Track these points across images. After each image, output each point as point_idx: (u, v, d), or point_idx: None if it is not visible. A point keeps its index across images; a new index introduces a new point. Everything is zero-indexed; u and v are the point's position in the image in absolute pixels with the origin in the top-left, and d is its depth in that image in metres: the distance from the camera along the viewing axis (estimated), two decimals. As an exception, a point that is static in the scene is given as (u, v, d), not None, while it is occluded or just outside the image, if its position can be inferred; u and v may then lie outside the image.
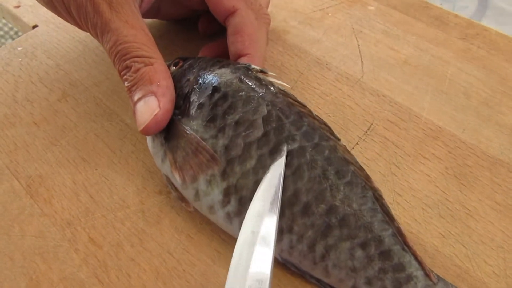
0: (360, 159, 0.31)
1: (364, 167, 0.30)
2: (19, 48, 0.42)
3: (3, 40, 0.55)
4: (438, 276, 0.24)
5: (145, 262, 0.28)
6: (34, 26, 0.44)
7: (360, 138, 0.32)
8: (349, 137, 0.32)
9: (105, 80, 0.38)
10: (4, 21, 0.50)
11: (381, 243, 0.24)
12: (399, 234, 0.24)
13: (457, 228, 0.28)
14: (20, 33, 0.45)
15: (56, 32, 0.43)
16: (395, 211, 0.29)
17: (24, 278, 0.27)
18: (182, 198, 0.29)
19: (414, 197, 0.29)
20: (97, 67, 0.39)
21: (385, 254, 0.24)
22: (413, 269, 0.23)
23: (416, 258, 0.24)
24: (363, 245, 0.24)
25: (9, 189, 0.32)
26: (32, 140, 0.34)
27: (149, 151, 0.31)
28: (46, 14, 0.44)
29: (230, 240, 0.28)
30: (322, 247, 0.24)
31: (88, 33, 0.34)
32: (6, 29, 0.51)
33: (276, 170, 0.25)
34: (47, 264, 0.28)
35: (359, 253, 0.24)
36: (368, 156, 0.31)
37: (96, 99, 0.37)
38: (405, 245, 0.24)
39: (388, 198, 0.29)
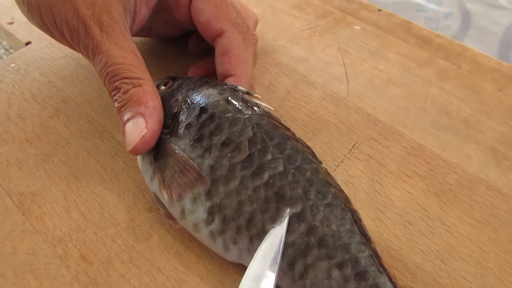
0: (345, 177, 0.32)
1: (349, 184, 0.31)
2: (12, 65, 0.42)
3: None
4: None
5: (134, 279, 0.28)
6: (27, 43, 0.45)
7: (345, 156, 0.33)
8: (334, 155, 0.33)
9: (97, 97, 0.39)
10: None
11: (357, 264, 0.24)
12: (375, 255, 0.25)
13: (437, 244, 0.29)
14: (12, 50, 0.46)
15: (49, 49, 0.44)
16: (378, 228, 0.30)
17: (15, 295, 0.28)
18: (170, 216, 0.29)
19: (396, 214, 0.30)
20: (90, 84, 0.40)
21: (361, 275, 0.24)
22: None
23: (390, 279, 0.24)
24: (340, 266, 0.24)
25: (1, 206, 0.32)
26: (25, 157, 0.35)
27: (139, 168, 0.32)
28: (39, 31, 0.45)
29: (218, 258, 0.29)
30: (301, 265, 0.25)
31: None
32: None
33: (277, 234, 0.25)
34: (38, 281, 0.28)
35: (336, 273, 0.24)
36: (352, 174, 0.32)
37: (88, 116, 0.38)
38: (381, 266, 0.25)
39: (371, 215, 0.30)
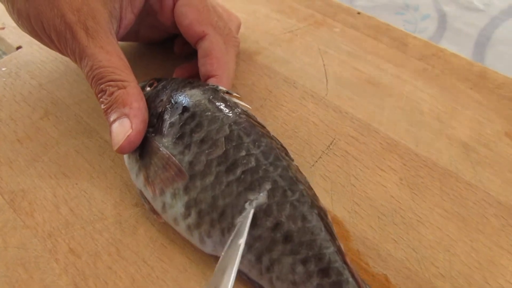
0: (323, 172, 0.34)
1: (326, 179, 0.33)
2: (3, 69, 0.44)
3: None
4: None
5: (121, 270, 0.30)
6: (18, 47, 0.46)
7: (323, 152, 0.35)
8: (312, 151, 0.35)
9: (86, 99, 0.40)
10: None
11: (321, 260, 0.25)
12: (339, 252, 0.26)
13: (409, 234, 0.30)
14: (3, 56, 0.47)
15: (39, 53, 0.45)
16: (353, 219, 0.31)
17: (6, 286, 0.29)
18: (154, 211, 0.31)
19: (371, 206, 0.32)
20: (78, 87, 0.41)
21: (324, 271, 0.25)
22: (350, 286, 0.25)
23: (353, 276, 0.25)
24: (304, 261, 0.25)
25: (-8, 203, 0.33)
26: (15, 156, 0.36)
27: (126, 166, 0.33)
28: (29, 36, 0.46)
29: (200, 250, 0.30)
30: (267, 259, 0.26)
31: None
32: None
33: (243, 222, 0.26)
34: (28, 273, 0.30)
35: (299, 268, 0.25)
36: (330, 169, 0.34)
37: (77, 117, 0.39)
38: (344, 263, 0.25)
39: (347, 207, 0.32)
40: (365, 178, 0.33)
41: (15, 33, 0.48)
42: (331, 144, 0.35)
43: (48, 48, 0.45)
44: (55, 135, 0.38)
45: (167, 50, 0.44)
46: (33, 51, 0.45)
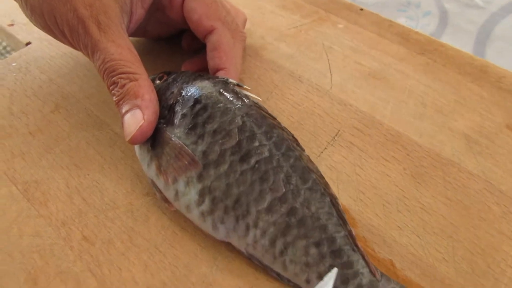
0: (328, 162, 0.35)
1: (332, 169, 0.34)
2: (13, 64, 0.45)
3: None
4: (382, 273, 0.27)
5: (134, 257, 0.30)
6: (28, 43, 0.47)
7: (328, 143, 0.36)
8: (318, 142, 0.36)
9: (95, 92, 0.41)
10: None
11: (333, 243, 0.27)
12: (350, 236, 0.27)
13: (413, 221, 0.31)
14: (12, 52, 0.48)
15: (49, 49, 0.46)
16: (358, 207, 0.32)
17: (23, 273, 0.30)
18: (165, 199, 0.32)
19: (375, 195, 0.33)
20: (88, 81, 0.42)
21: (336, 253, 0.26)
22: (360, 266, 0.26)
23: (363, 257, 0.27)
24: (317, 244, 0.27)
25: (7, 194, 0.34)
26: (28, 149, 0.37)
27: (137, 157, 0.34)
28: (39, 32, 0.47)
29: (211, 236, 0.31)
30: (281, 243, 0.27)
31: (80, 51, 0.37)
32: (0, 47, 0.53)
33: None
34: (44, 260, 0.31)
35: (313, 250, 0.27)
36: (335, 159, 0.35)
37: (87, 110, 0.40)
38: (355, 246, 0.27)
39: (352, 196, 0.33)
40: (369, 168, 0.34)
41: (24, 30, 0.49)
42: (336, 135, 0.36)
43: (57, 44, 0.46)
44: (66, 128, 0.39)
45: (174, 46, 0.45)
46: (43, 47, 0.46)
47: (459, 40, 0.48)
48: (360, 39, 0.45)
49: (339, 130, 0.37)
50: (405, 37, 0.45)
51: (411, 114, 0.38)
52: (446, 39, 0.48)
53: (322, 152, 0.35)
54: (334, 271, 0.25)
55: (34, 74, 0.43)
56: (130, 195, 0.34)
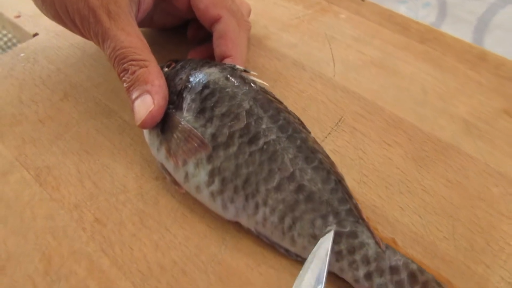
0: (332, 147, 0.36)
1: (335, 153, 0.35)
2: (21, 55, 0.45)
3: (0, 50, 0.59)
4: (386, 245, 0.28)
5: (145, 237, 0.31)
6: (35, 34, 0.48)
7: (332, 128, 0.37)
8: (322, 127, 0.37)
9: (103, 82, 0.42)
10: (4, 31, 0.54)
11: (338, 215, 0.28)
12: (356, 209, 0.28)
13: (414, 202, 0.32)
14: (18, 44, 0.49)
15: (56, 40, 0.47)
16: (362, 189, 0.33)
17: (37, 253, 0.31)
18: (175, 182, 0.33)
19: (378, 177, 0.34)
20: (96, 71, 0.43)
21: (341, 224, 0.28)
22: (365, 237, 0.28)
23: (369, 229, 0.28)
24: (323, 216, 0.28)
25: (19, 179, 0.35)
26: (38, 135, 0.38)
27: (146, 142, 0.35)
28: (45, 23, 0.48)
29: (220, 218, 0.32)
30: (290, 219, 0.29)
31: (86, 40, 0.38)
32: (5, 39, 0.54)
33: (324, 248, 0.27)
34: (57, 241, 0.32)
35: (319, 222, 0.28)
36: (339, 144, 0.36)
37: (95, 99, 0.41)
38: (360, 218, 0.28)
39: (356, 178, 0.34)
40: (372, 152, 0.35)
41: (31, 21, 0.49)
42: (339, 121, 0.37)
43: (64, 35, 0.47)
44: (75, 115, 0.39)
45: (180, 36, 0.46)
46: (50, 38, 0.47)
47: (458, 31, 0.49)
48: (362, 29, 0.46)
49: (342, 116, 0.38)
50: (405, 26, 0.46)
51: (412, 101, 0.39)
52: (445, 30, 0.49)
53: (326, 137, 0.36)
54: (331, 232, 0.26)
55: (42, 64, 0.44)
56: (140, 179, 0.35)
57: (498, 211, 0.31)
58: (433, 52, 0.43)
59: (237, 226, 0.31)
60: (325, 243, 0.26)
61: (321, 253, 0.26)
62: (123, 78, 0.33)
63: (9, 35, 0.55)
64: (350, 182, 0.33)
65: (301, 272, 0.26)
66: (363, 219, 0.28)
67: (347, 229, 0.28)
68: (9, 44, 0.56)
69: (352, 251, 0.27)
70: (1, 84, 0.42)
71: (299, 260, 0.29)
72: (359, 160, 0.35)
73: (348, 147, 0.36)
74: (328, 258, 0.25)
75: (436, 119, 0.37)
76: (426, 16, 0.52)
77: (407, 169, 0.34)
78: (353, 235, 0.28)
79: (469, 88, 0.40)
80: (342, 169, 0.34)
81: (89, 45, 0.46)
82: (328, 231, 0.28)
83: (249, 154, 0.30)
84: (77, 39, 0.46)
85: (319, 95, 0.39)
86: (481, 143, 0.35)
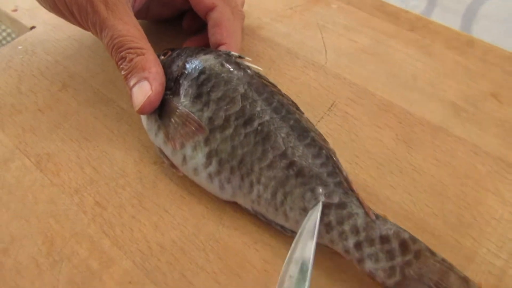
0: (325, 130, 0.37)
1: (328, 136, 0.36)
2: (19, 47, 0.46)
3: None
4: (377, 215, 0.28)
5: (144, 219, 0.32)
6: (32, 27, 0.48)
7: (325, 113, 0.38)
8: (315, 112, 0.38)
9: (101, 72, 0.43)
10: (3, 26, 0.55)
11: (327, 187, 0.29)
12: (346, 181, 0.29)
13: (405, 181, 0.33)
14: (16, 38, 0.50)
15: (53, 32, 0.47)
16: (354, 170, 0.34)
17: (40, 236, 0.32)
18: (172, 165, 0.34)
19: (369, 158, 0.35)
20: (93, 61, 0.44)
21: (330, 196, 0.28)
22: (354, 207, 0.28)
23: (357, 198, 0.28)
24: (312, 189, 0.29)
25: (20, 166, 0.36)
26: (38, 124, 0.39)
27: (143, 129, 0.36)
28: (43, 16, 0.49)
29: (217, 199, 0.33)
30: (281, 194, 0.29)
31: (83, 32, 0.39)
32: (4, 34, 0.55)
33: (312, 220, 0.27)
34: (59, 224, 0.32)
35: (308, 195, 0.29)
36: (331, 127, 0.37)
37: (93, 89, 0.42)
38: (350, 189, 0.29)
39: (348, 159, 0.35)
40: (364, 135, 0.36)
41: (27, 15, 0.50)
42: (331, 106, 0.38)
43: (61, 27, 0.48)
44: (74, 105, 0.40)
45: (175, 28, 0.46)
46: (47, 31, 0.48)
47: (446, 20, 0.50)
48: (353, 18, 0.47)
49: (335, 101, 0.39)
50: (395, 15, 0.47)
51: (402, 86, 0.40)
52: (435, 19, 0.50)
53: (319, 121, 0.37)
54: (319, 204, 0.27)
55: (40, 56, 0.45)
56: (138, 164, 0.36)
57: (485, 187, 0.33)
58: (423, 40, 0.44)
59: (234, 206, 0.32)
60: (314, 215, 0.27)
61: (310, 225, 0.27)
62: (121, 66, 0.34)
63: (8, 30, 0.55)
64: (343, 163, 0.34)
65: (292, 245, 0.27)
66: (352, 190, 0.29)
67: (336, 200, 0.28)
68: (8, 39, 0.57)
69: (341, 221, 0.28)
70: (0, 75, 0.43)
71: (294, 236, 0.30)
72: (351, 142, 0.36)
73: (341, 131, 0.37)
74: (316, 229, 0.26)
75: (426, 103, 0.38)
76: (416, 6, 0.53)
77: (398, 150, 0.35)
78: (342, 205, 0.28)
79: (457, 73, 0.41)
80: (335, 151, 0.35)
81: (86, 37, 0.46)
82: (317, 203, 0.28)
83: (244, 136, 0.31)
84: (74, 31, 0.47)
85: (311, 82, 0.41)
86: (469, 125, 0.37)
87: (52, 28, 0.48)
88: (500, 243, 0.30)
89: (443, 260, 0.27)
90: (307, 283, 0.25)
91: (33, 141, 0.38)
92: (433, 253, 0.27)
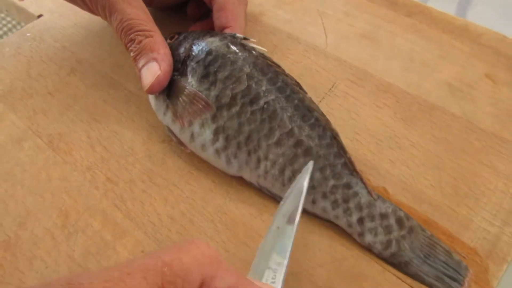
0: (326, 110, 0.38)
1: (329, 115, 0.37)
2: (27, 34, 0.47)
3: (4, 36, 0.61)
4: (378, 194, 0.31)
5: (155, 193, 0.34)
6: (39, 16, 0.50)
7: (326, 94, 0.39)
8: (317, 93, 0.39)
9: (107, 57, 0.44)
10: (9, 18, 0.56)
11: (334, 167, 0.31)
12: (350, 162, 0.31)
13: (403, 155, 0.35)
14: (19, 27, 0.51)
15: (60, 20, 0.49)
16: (355, 146, 0.36)
17: (55, 210, 0.33)
18: (180, 143, 0.35)
19: (369, 135, 0.36)
20: (100, 47, 0.45)
21: (337, 176, 0.30)
22: (359, 188, 0.30)
23: (361, 180, 0.31)
24: (321, 169, 0.30)
25: (33, 145, 0.37)
26: (49, 107, 0.40)
27: (151, 110, 0.38)
28: (49, 5, 0.50)
29: (224, 174, 0.34)
30: (289, 171, 0.31)
31: (89, 20, 0.40)
32: (12, 23, 0.56)
33: (302, 178, 0.28)
34: (73, 199, 0.34)
35: (317, 175, 0.30)
36: (332, 107, 0.38)
37: (101, 73, 0.43)
38: (354, 171, 0.31)
39: (349, 136, 0.36)
40: (363, 113, 0.38)
41: (34, 3, 0.51)
42: (332, 87, 0.40)
43: (68, 15, 0.49)
44: (82, 88, 0.42)
45: (179, 15, 0.48)
46: (54, 18, 0.49)
47: (442, 6, 0.52)
48: (352, 4, 0.48)
49: (335, 83, 0.40)
50: (393, 1, 0.48)
51: (400, 68, 0.41)
52: (431, 5, 0.52)
53: (320, 102, 0.39)
54: (310, 163, 0.29)
55: (48, 42, 0.46)
56: (147, 143, 0.37)
57: (480, 161, 0.34)
58: (419, 25, 0.45)
59: (240, 180, 0.34)
60: (305, 174, 0.28)
61: (300, 182, 0.28)
62: (130, 48, 0.35)
63: (14, 22, 0.57)
64: (344, 140, 0.35)
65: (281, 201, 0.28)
66: (356, 172, 0.31)
67: (344, 181, 0.30)
68: (18, 27, 0.58)
69: (347, 199, 0.30)
70: (10, 61, 0.44)
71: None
72: (351, 120, 0.37)
73: (341, 110, 0.38)
74: (306, 184, 0.27)
75: (423, 83, 0.40)
76: (412, -6, 0.54)
77: (396, 127, 0.37)
78: (348, 186, 0.30)
79: (453, 56, 0.42)
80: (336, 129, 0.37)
81: (93, 24, 0.48)
82: (332, 189, 0.30)
83: (251, 113, 0.32)
84: (80, 19, 0.48)
85: (313, 65, 0.42)
86: (464, 104, 0.38)
87: (59, 16, 0.49)
88: (494, 211, 0.32)
89: (432, 235, 0.30)
90: (294, 231, 0.26)
91: (44, 123, 0.39)
92: (423, 230, 0.30)
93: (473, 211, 0.32)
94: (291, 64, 0.42)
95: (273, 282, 0.23)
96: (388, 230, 0.30)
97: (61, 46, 0.46)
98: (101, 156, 0.36)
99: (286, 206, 0.27)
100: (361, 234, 0.30)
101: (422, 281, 0.29)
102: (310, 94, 0.39)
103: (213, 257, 0.19)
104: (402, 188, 0.33)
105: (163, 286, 0.17)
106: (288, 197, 0.27)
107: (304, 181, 0.27)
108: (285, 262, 0.25)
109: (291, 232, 0.26)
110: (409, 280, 0.29)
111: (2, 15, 0.58)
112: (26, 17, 0.52)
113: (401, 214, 0.30)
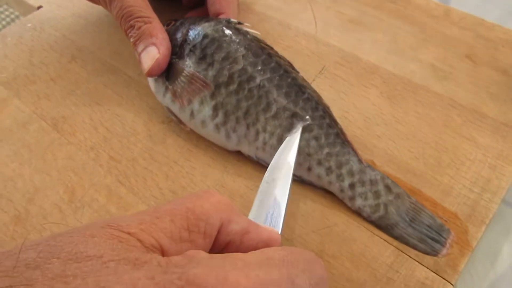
0: (317, 90, 0.40)
1: (320, 95, 0.39)
2: (28, 25, 0.49)
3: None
4: (367, 163, 0.33)
5: (156, 169, 0.36)
6: (39, 7, 0.51)
7: (316, 76, 0.42)
8: (307, 75, 0.41)
9: (106, 45, 0.46)
10: (10, 9, 0.57)
11: (328, 137, 0.33)
12: (341, 133, 0.34)
13: (389, 131, 0.37)
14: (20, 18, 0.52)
15: (59, 10, 0.50)
16: (343, 123, 0.38)
17: (61, 186, 0.35)
18: (180, 122, 0.37)
19: (357, 113, 0.39)
20: (99, 36, 0.47)
21: (331, 145, 0.33)
22: (350, 156, 0.33)
23: (353, 149, 0.33)
24: (316, 138, 0.33)
25: (38, 128, 0.39)
26: (52, 92, 0.42)
27: (151, 94, 0.39)
28: (49, -3, 0.52)
29: (221, 151, 0.36)
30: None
31: (87, 10, 0.42)
32: (8, 19, 0.58)
33: (294, 138, 0.32)
34: (78, 176, 0.36)
35: (313, 143, 0.33)
36: (322, 88, 0.41)
37: (101, 60, 0.45)
38: (346, 140, 0.33)
39: (338, 114, 0.38)
40: (352, 93, 0.40)
41: (33, -5, 0.53)
42: (322, 69, 0.42)
43: (66, 6, 0.51)
44: (84, 74, 0.44)
45: (174, 4, 0.50)
46: (53, 9, 0.51)
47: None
48: (340, -7, 0.50)
49: (325, 66, 0.43)
50: (378, -11, 0.51)
51: (385, 51, 0.44)
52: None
53: (311, 83, 0.41)
54: (299, 128, 0.31)
55: (49, 32, 0.48)
56: (147, 124, 0.39)
57: (460, 134, 0.37)
58: (404, 10, 0.48)
59: (237, 156, 0.36)
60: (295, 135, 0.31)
61: (290, 141, 0.31)
62: (130, 34, 0.37)
63: (13, 16, 0.58)
64: (334, 118, 0.38)
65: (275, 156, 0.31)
66: (348, 141, 0.33)
67: (337, 149, 0.33)
68: (17, 21, 0.60)
69: (339, 166, 0.32)
70: (12, 50, 0.46)
71: (295, 179, 0.34)
72: (340, 100, 0.40)
73: (331, 90, 0.40)
74: (297, 140, 0.31)
75: (407, 65, 0.42)
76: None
77: (383, 105, 0.39)
78: (341, 153, 0.33)
79: (435, 39, 0.45)
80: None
81: (91, 15, 0.49)
82: (326, 157, 0.33)
83: (248, 90, 0.34)
84: (78, 9, 0.50)
85: (303, 50, 0.44)
86: (446, 83, 0.41)
87: (57, 7, 0.51)
88: (474, 179, 0.34)
89: (416, 201, 0.33)
90: (289, 184, 0.29)
91: (48, 107, 0.41)
92: (409, 196, 0.33)
93: (454, 179, 0.34)
94: (283, 49, 0.44)
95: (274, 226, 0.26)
96: (376, 195, 0.32)
97: (61, 35, 0.48)
98: (104, 137, 0.38)
99: (280, 159, 0.29)
100: (352, 198, 0.32)
101: (407, 243, 0.31)
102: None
103: (227, 204, 0.22)
104: (388, 160, 0.35)
105: (189, 228, 0.19)
106: (282, 152, 0.30)
107: (296, 138, 0.30)
108: (284, 204, 0.27)
109: (288, 174, 0.29)
110: (395, 243, 0.31)
111: (1, 9, 0.60)
112: (26, 9, 0.53)
113: (389, 181, 0.33)
